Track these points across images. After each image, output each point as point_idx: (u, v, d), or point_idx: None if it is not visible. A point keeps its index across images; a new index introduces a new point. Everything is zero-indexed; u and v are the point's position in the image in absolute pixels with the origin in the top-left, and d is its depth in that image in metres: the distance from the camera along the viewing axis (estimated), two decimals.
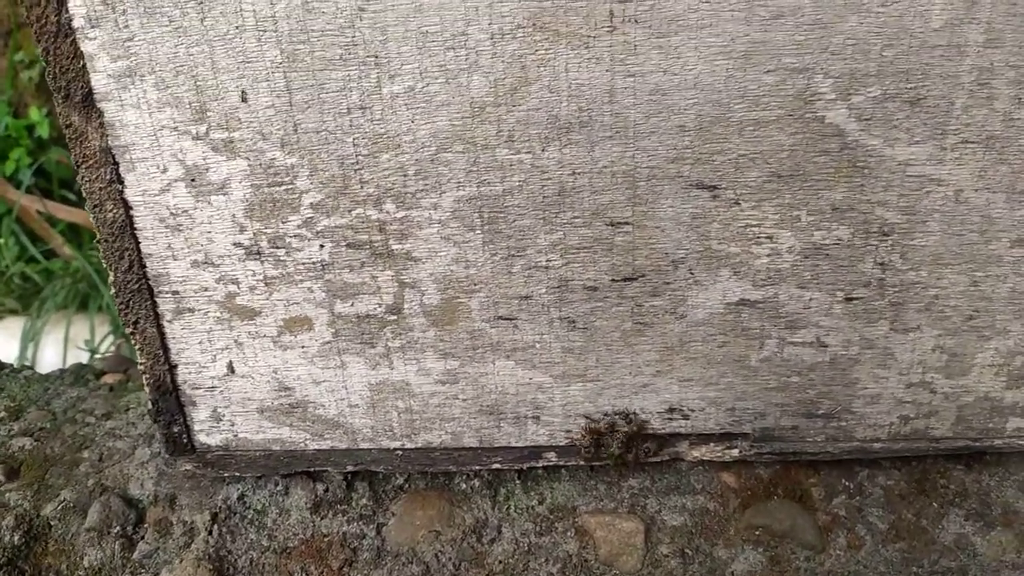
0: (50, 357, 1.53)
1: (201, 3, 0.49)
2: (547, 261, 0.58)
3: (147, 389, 0.63)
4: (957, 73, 0.51)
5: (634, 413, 0.63)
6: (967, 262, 0.57)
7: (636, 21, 0.49)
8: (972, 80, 0.51)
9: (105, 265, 0.58)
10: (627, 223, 0.56)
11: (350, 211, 0.56)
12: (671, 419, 0.64)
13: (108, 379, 0.82)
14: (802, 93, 0.51)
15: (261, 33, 0.50)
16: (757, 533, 0.64)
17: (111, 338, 1.58)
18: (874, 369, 0.61)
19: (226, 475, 0.68)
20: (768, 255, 0.57)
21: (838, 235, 0.56)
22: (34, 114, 1.84)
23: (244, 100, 0.51)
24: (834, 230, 0.56)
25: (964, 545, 0.64)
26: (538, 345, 0.61)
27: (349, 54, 0.51)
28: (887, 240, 0.56)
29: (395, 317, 0.60)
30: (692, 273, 0.58)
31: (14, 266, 1.73)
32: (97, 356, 1.48)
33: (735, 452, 0.65)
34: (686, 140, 0.53)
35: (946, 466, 0.68)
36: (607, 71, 0.51)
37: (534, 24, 0.50)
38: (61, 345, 1.54)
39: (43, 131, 1.81)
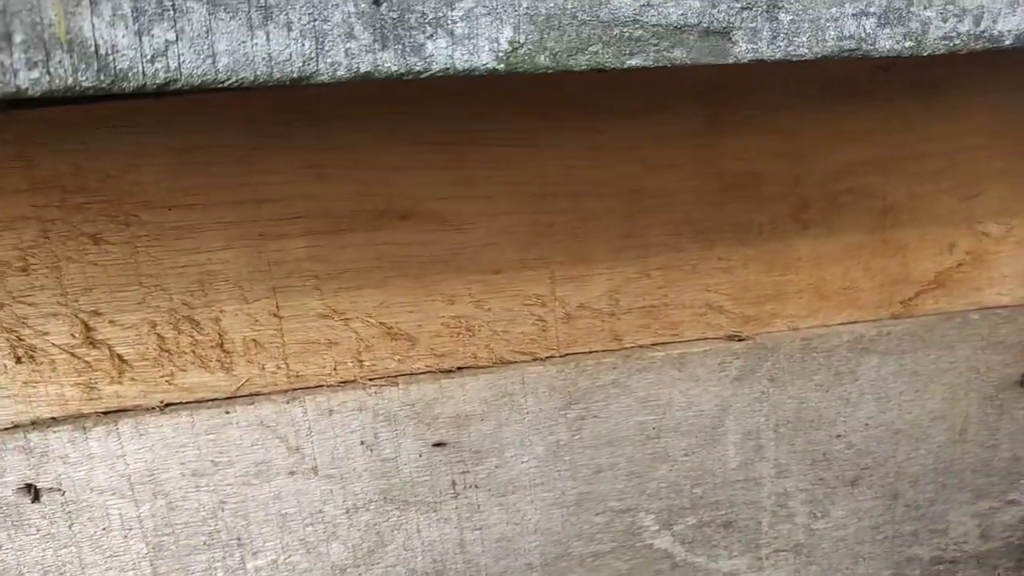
0: None
1: (69, 512, 0.53)
2: None
3: None
4: (758, 499, 0.59)
5: None
6: None
7: (477, 486, 0.55)
8: (772, 503, 0.59)
9: None
10: None
11: None
12: None
13: None
14: (630, 528, 0.58)
15: (127, 531, 0.53)
16: None
17: None
18: None
19: None
20: None
21: None
22: None
23: None
24: None
25: None
26: None
27: (213, 539, 0.54)
28: None
29: None
30: None
31: None
32: None
33: None
34: (534, 575, 0.58)
35: None
36: (456, 528, 0.56)
37: (384, 498, 0.55)
38: None
39: None
